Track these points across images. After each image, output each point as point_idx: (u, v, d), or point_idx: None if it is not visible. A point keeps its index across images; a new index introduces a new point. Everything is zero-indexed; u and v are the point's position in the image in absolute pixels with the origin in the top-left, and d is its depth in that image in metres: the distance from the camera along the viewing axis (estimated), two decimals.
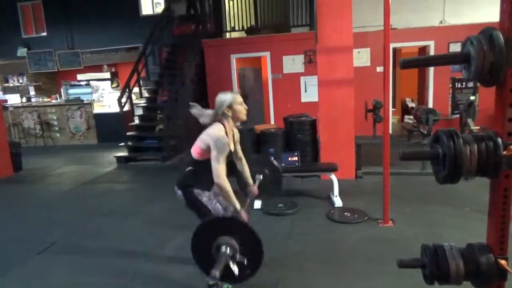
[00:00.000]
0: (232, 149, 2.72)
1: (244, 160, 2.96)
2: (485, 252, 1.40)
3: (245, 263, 2.01)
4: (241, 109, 2.64)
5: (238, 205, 2.50)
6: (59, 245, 3.98)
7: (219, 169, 2.46)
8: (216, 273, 1.82)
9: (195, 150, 2.62)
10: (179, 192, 2.67)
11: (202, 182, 2.64)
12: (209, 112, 2.68)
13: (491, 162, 1.29)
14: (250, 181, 3.00)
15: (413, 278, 2.31)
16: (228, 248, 1.98)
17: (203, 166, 2.55)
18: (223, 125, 2.61)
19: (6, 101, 10.91)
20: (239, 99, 2.64)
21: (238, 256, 2.01)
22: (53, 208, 5.26)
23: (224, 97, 2.62)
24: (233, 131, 2.75)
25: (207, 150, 2.53)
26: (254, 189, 2.99)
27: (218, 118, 2.64)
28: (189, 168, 2.66)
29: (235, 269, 1.96)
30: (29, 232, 4.41)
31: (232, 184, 2.58)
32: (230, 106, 2.60)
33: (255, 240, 2.06)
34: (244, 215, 2.47)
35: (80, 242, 4.05)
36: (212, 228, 2.11)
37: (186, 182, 2.65)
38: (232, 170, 2.83)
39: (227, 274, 1.97)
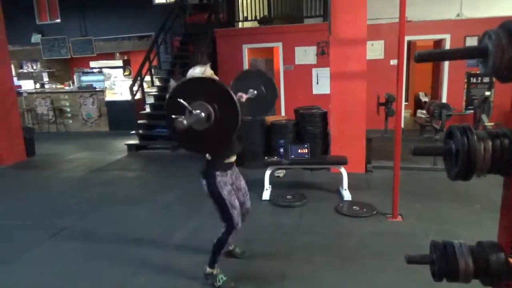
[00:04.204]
0: None
1: None
2: (496, 250, 1.38)
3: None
4: None
5: None
6: (70, 230, 4.05)
7: None
8: (184, 121, 1.78)
9: None
10: (204, 181, 2.68)
11: (216, 164, 2.64)
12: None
13: (505, 160, 1.26)
14: None
15: (420, 274, 2.30)
16: (203, 113, 1.92)
17: None
18: None
19: (20, 87, 11.06)
20: (208, 71, 2.62)
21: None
22: (65, 194, 5.34)
23: (192, 72, 2.62)
24: None
25: None
26: (243, 95, 2.93)
27: None
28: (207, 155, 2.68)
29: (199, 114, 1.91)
30: (40, 217, 4.48)
31: None
32: None
33: (231, 102, 2.00)
34: None
35: (90, 228, 4.11)
36: (187, 89, 2.04)
37: (206, 170, 2.66)
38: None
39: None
